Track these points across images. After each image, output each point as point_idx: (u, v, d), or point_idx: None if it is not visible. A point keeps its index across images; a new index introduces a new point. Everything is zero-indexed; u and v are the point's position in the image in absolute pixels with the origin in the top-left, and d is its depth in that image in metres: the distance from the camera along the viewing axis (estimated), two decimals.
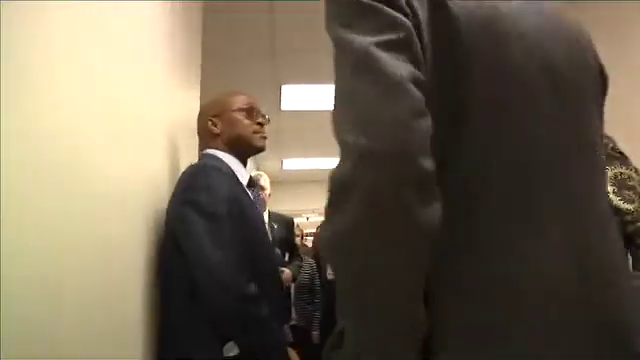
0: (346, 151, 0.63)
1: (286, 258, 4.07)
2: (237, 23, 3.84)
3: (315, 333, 4.88)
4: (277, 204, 4.29)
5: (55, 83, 0.98)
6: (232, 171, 1.74)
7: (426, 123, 0.62)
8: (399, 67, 0.63)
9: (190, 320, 1.54)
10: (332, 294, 4.91)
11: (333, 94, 0.68)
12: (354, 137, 0.61)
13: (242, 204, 1.66)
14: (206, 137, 1.87)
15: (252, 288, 1.53)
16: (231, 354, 1.50)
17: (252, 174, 1.95)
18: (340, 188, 0.63)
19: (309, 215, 10.01)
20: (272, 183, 4.08)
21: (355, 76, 0.64)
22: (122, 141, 1.36)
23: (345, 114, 0.65)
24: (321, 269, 5.06)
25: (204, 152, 1.85)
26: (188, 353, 1.52)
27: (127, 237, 1.42)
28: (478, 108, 0.70)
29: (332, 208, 0.64)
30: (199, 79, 2.84)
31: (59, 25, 1.00)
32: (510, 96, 0.72)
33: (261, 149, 1.88)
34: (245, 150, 1.85)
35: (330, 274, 5.17)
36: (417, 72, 0.65)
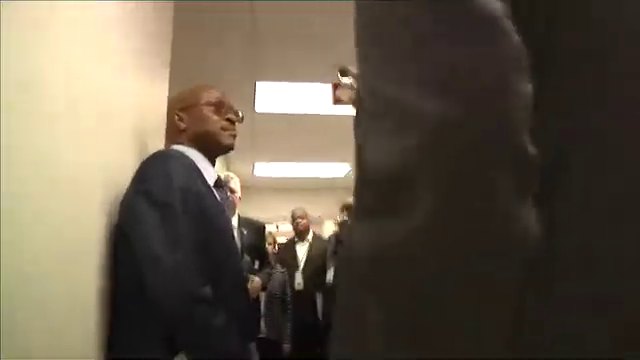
0: (410, 121, 0.42)
1: (256, 266, 3.96)
2: (211, 21, 3.72)
3: (286, 346, 4.71)
4: (247, 210, 4.15)
5: (20, 80, 0.96)
6: (198, 168, 1.61)
7: (530, 85, 0.43)
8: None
9: (139, 322, 1.38)
10: (303, 305, 4.84)
11: (378, 42, 0.47)
12: (424, 100, 0.41)
13: (204, 201, 1.50)
14: (172, 133, 1.74)
15: (206, 291, 1.36)
16: None
17: (221, 175, 1.82)
18: (397, 179, 0.41)
19: (279, 223, 9.85)
20: (242, 188, 3.96)
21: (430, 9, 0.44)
22: (88, 137, 1.33)
23: (407, 66, 0.44)
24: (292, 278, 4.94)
25: (169, 148, 1.71)
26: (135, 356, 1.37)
27: (90, 234, 1.38)
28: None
29: (380, 212, 0.43)
30: (167, 76, 2.71)
31: (23, 22, 0.98)
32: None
33: (229, 147, 1.75)
34: (212, 148, 1.72)
35: (299, 284, 5.05)
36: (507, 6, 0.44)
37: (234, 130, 1.76)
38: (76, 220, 1.26)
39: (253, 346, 1.75)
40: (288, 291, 4.77)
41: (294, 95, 5.16)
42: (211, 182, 1.64)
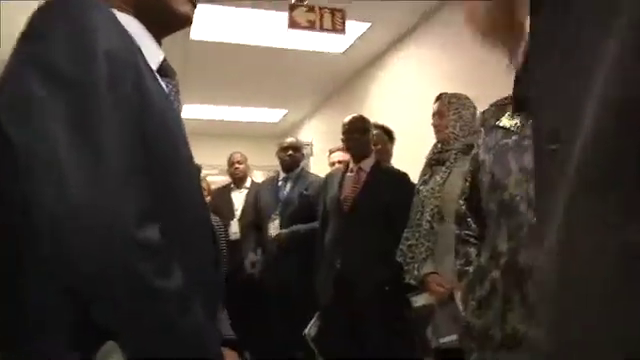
0: None
1: None
2: None
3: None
4: None
5: None
6: (136, 44, 1.01)
7: None
8: None
9: (27, 302, 0.79)
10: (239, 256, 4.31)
11: None
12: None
13: (146, 83, 0.91)
14: None
15: (153, 232, 0.80)
16: None
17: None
18: None
19: (210, 172, 9.17)
20: None
21: None
22: None
23: None
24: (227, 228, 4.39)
25: None
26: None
27: None
28: None
29: None
30: None
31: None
32: None
33: (185, 19, 1.15)
34: (161, 17, 1.11)
35: (235, 233, 4.49)
36: None
37: None
38: None
39: (224, 320, 1.18)
40: (222, 243, 4.20)
41: (239, 22, 4.47)
42: (154, 65, 1.04)
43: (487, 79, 3.60)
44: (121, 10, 1.07)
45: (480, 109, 2.71)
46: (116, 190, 0.77)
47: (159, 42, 1.13)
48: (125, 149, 0.81)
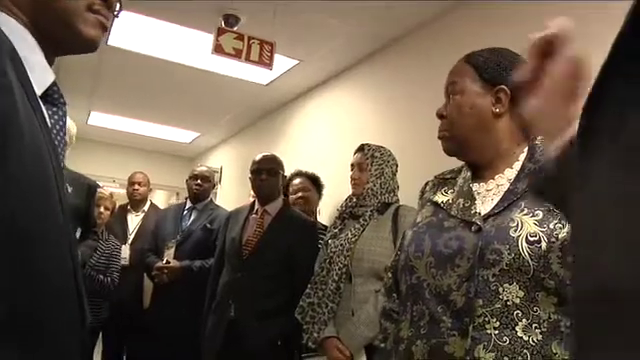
0: None
1: (77, 234, 3.10)
2: None
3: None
4: (70, 164, 3.19)
5: None
6: (19, 59, 0.80)
7: None
8: None
9: None
10: (127, 284, 3.95)
11: None
12: None
13: (17, 116, 0.69)
14: None
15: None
16: None
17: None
18: None
19: (108, 184, 8.67)
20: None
21: None
22: None
23: None
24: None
25: None
26: None
27: None
28: None
29: None
30: None
31: None
32: None
33: (90, 43, 0.95)
34: (61, 37, 0.91)
35: (124, 259, 4.14)
36: None
37: (105, 16, 0.96)
38: None
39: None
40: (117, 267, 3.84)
41: (163, 36, 4.22)
42: (39, 90, 0.84)
43: (409, 129, 3.61)
44: (9, 14, 0.86)
45: (399, 159, 2.64)
46: None
47: (50, 59, 0.92)
48: None
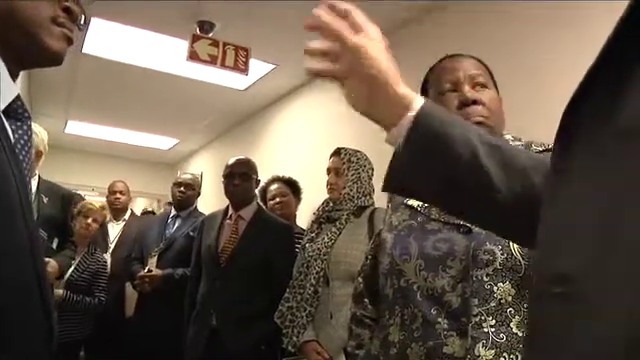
0: None
1: (54, 245, 3.10)
2: None
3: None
4: (48, 174, 3.14)
5: None
6: None
7: None
8: None
9: None
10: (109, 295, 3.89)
11: None
12: None
13: None
14: None
15: None
16: None
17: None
18: None
19: (87, 193, 8.59)
20: (49, 146, 3.07)
21: None
22: None
23: None
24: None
25: None
26: None
27: None
28: None
29: None
30: None
31: None
32: None
33: (56, 58, 0.96)
34: (26, 49, 0.91)
35: None
36: None
37: (69, 28, 0.97)
38: None
39: None
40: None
41: (139, 43, 4.20)
42: (1, 104, 0.84)
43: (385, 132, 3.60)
44: None
45: (375, 163, 2.65)
46: None
47: (14, 73, 0.92)
48: None
